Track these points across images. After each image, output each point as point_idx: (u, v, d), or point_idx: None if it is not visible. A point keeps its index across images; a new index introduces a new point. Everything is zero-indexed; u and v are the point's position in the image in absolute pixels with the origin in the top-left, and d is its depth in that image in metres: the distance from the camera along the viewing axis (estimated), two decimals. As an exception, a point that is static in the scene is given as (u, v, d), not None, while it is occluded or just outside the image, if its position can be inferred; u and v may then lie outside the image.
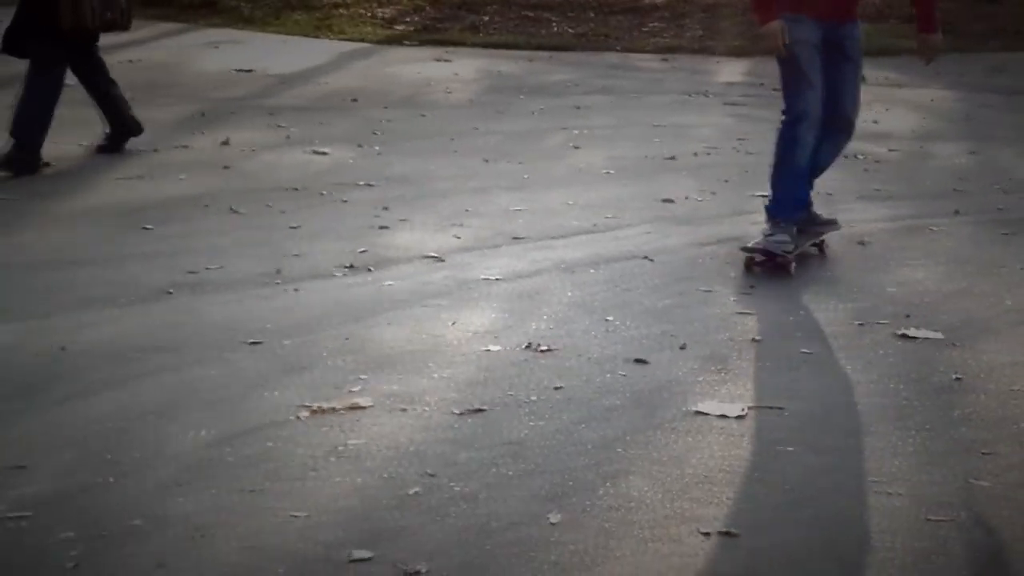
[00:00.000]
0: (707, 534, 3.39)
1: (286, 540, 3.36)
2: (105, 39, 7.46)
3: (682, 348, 4.62)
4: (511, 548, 3.32)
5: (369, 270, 5.45)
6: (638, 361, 4.50)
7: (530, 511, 3.50)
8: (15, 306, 5.01)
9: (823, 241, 5.91)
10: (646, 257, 5.70)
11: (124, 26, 7.32)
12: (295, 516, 3.46)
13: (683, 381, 4.37)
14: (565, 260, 5.58)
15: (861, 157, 7.51)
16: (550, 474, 3.71)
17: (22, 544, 3.34)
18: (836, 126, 5.69)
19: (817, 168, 5.81)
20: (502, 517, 3.47)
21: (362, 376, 4.34)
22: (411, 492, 3.59)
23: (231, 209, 6.25)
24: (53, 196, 6.54)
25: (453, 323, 4.85)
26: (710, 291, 5.27)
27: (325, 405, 4.12)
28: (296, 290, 5.19)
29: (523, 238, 5.87)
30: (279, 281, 5.29)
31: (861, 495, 3.64)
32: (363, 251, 5.64)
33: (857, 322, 4.99)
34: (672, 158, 7.88)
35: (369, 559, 3.26)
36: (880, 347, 4.74)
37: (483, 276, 5.37)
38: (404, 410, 4.10)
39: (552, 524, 3.43)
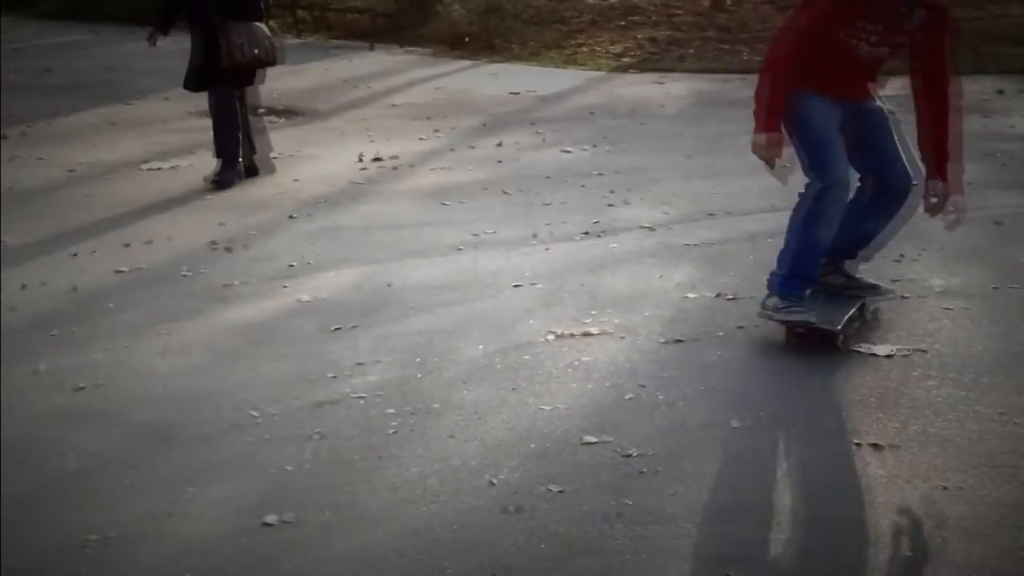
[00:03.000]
0: (858, 444, 3.26)
1: (536, 425, 3.43)
2: (419, 72, 7.42)
3: None
4: (702, 442, 3.31)
5: (600, 236, 5.43)
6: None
7: (717, 416, 3.45)
8: (359, 256, 5.19)
9: (864, 304, 4.16)
10: None
11: (271, 62, 6.53)
12: (543, 409, 3.53)
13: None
14: (749, 231, 5.40)
15: (999, 155, 6.98)
16: (732, 391, 3.65)
17: (364, 415, 3.53)
18: (885, 194, 4.00)
19: (864, 238, 4.15)
20: (695, 419, 3.45)
21: (593, 312, 4.35)
22: (627, 397, 3.61)
23: (503, 191, 6.32)
24: (389, 180, 6.70)
25: (660, 276, 4.78)
26: (869, 259, 4.75)
27: (566, 332, 4.15)
28: (547, 249, 5.21)
29: (715, 214, 5.75)
30: (535, 242, 5.33)
31: (991, 423, 3.39)
32: (595, 222, 5.62)
33: (992, 286, 4.58)
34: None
35: (595, 443, 3.30)
36: (1012, 306, 4.36)
37: (684, 242, 5.27)
38: (623, 338, 4.11)
39: (734, 427, 3.38)
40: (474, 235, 5.45)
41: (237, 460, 3.26)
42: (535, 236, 5.42)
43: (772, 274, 4.06)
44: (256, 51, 6.39)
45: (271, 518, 2.93)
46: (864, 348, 3.96)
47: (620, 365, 3.87)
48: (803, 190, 3.97)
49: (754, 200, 5.88)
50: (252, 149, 6.75)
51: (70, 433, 3.42)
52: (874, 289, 4.25)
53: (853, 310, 4.07)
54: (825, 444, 3.30)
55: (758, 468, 3.17)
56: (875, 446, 3.27)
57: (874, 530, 2.86)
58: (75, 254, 5.22)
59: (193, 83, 6.57)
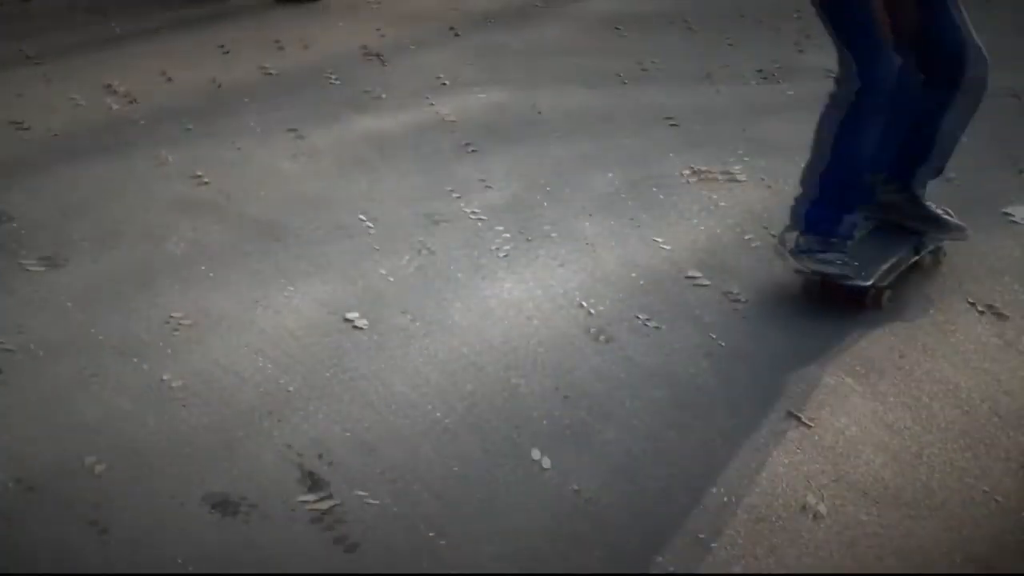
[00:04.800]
0: (980, 311, 3.19)
1: (649, 261, 3.46)
2: None
3: (1020, 172, 4.15)
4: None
5: (777, 80, 5.27)
6: (971, 175, 4.06)
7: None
8: (514, 78, 5.22)
9: (921, 242, 3.35)
10: (1016, 95, 5.09)
11: None
12: (661, 247, 3.54)
13: (1007, 195, 3.97)
14: None
15: None
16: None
17: (477, 235, 3.60)
18: (949, 82, 3.14)
19: (941, 147, 3.28)
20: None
21: (745, 157, 4.25)
22: (753, 245, 3.57)
23: (686, 25, 6.16)
24: (565, 3, 6.63)
25: (830, 125, 4.64)
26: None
27: (709, 172, 4.10)
28: (717, 92, 5.08)
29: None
30: (707, 82, 5.21)
31: None
32: (776, 64, 5.45)
33: None
34: None
35: (705, 284, 3.31)
36: None
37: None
38: (769, 187, 4.01)
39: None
40: (642, 69, 5.37)
41: (340, 264, 3.42)
42: (708, 76, 5.29)
43: (797, 200, 3.28)
44: None
45: (357, 319, 3.09)
46: (1018, 212, 3.80)
47: (755, 212, 3.82)
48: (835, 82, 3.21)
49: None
50: None
51: (182, 221, 3.66)
52: (941, 225, 3.37)
53: (900, 255, 3.26)
54: (945, 307, 3.22)
55: (859, 319, 3.13)
56: (997, 313, 3.18)
57: (966, 393, 2.82)
58: (226, 51, 5.46)
59: None
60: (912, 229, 3.33)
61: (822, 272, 3.15)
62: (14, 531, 2.20)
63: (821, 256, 3.15)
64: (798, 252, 3.18)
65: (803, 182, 3.28)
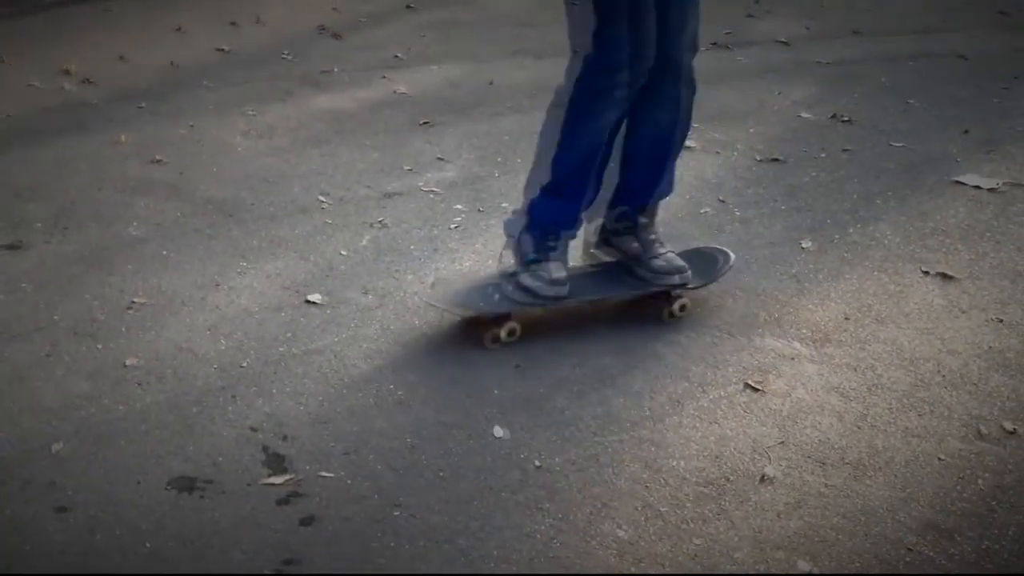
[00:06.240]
0: (927, 272, 3.27)
1: (601, 231, 3.52)
2: None
3: (965, 132, 4.30)
4: (767, 259, 3.33)
5: (728, 48, 5.32)
6: (918, 137, 4.24)
7: (788, 236, 3.47)
8: (467, 51, 5.25)
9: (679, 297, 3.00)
10: (962, 56, 5.26)
11: None
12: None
13: (952, 157, 4.08)
14: (889, 52, 5.20)
15: None
16: (814, 212, 3.63)
17: (431, 208, 3.64)
18: (663, 71, 2.81)
19: (666, 147, 2.95)
20: (764, 237, 3.46)
21: (696, 124, 4.26)
22: (702, 211, 3.63)
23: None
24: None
25: (779, 92, 4.70)
26: (1008, 88, 4.82)
27: (662, 142, 4.17)
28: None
29: (860, 32, 5.52)
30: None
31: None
32: (728, 32, 5.49)
33: None
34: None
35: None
36: None
37: (817, 60, 5.13)
38: (718, 153, 4.08)
39: (803, 248, 3.39)
40: (595, 38, 5.38)
41: (295, 241, 3.44)
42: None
43: (517, 213, 2.95)
44: None
45: (314, 296, 3.11)
46: (970, 180, 3.87)
47: (706, 179, 3.88)
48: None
49: (908, 21, 5.59)
50: None
51: (137, 201, 3.67)
52: (676, 272, 2.96)
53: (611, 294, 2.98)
54: (893, 272, 3.29)
55: (812, 288, 3.19)
56: (943, 275, 3.25)
57: (910, 354, 2.88)
58: (179, 29, 5.44)
59: None
60: (641, 277, 3.00)
61: (460, 314, 2.90)
62: (-29, 509, 2.23)
63: (520, 279, 2.89)
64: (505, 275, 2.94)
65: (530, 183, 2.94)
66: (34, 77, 4.73)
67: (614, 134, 2.87)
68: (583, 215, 2.97)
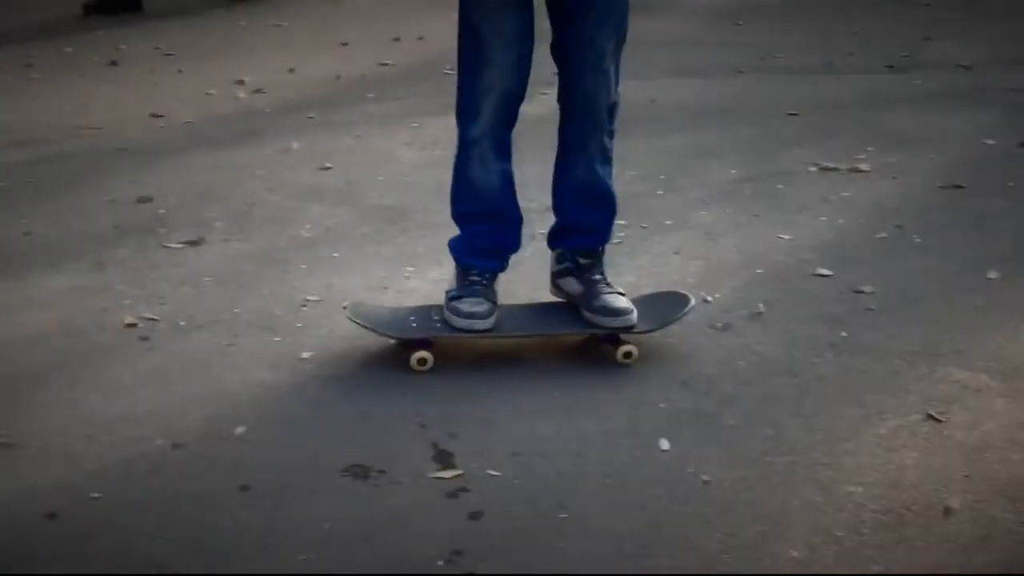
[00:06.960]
0: None
1: (768, 252, 3.48)
2: None
3: None
4: (946, 290, 3.23)
5: (906, 71, 5.25)
6: None
7: (973, 266, 3.36)
8: (628, 70, 5.22)
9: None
10: None
11: None
12: (781, 237, 3.57)
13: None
14: None
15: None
16: (1000, 242, 3.52)
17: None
18: (576, 109, 2.96)
19: (570, 186, 2.95)
20: (946, 265, 3.38)
21: (870, 148, 4.27)
22: (879, 236, 3.57)
23: (806, 13, 6.16)
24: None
25: (960, 118, 4.60)
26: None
27: (832, 165, 4.12)
28: (838, 79, 5.11)
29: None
30: (828, 72, 5.24)
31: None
32: (905, 56, 5.42)
33: None
34: None
35: (828, 275, 3.31)
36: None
37: (1001, 85, 5.01)
38: (895, 178, 4.03)
39: (988, 279, 3.28)
40: (760, 58, 5.41)
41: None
42: (830, 65, 5.31)
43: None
44: None
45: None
46: None
47: (882, 204, 3.82)
48: None
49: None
50: None
51: (308, 205, 3.84)
52: (617, 315, 2.81)
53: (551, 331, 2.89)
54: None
55: (999, 320, 3.09)
56: None
57: None
58: (345, 44, 5.66)
59: None
60: (585, 319, 2.87)
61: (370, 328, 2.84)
62: (162, 481, 2.36)
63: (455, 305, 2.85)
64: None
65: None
66: (210, 86, 5.00)
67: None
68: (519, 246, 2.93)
